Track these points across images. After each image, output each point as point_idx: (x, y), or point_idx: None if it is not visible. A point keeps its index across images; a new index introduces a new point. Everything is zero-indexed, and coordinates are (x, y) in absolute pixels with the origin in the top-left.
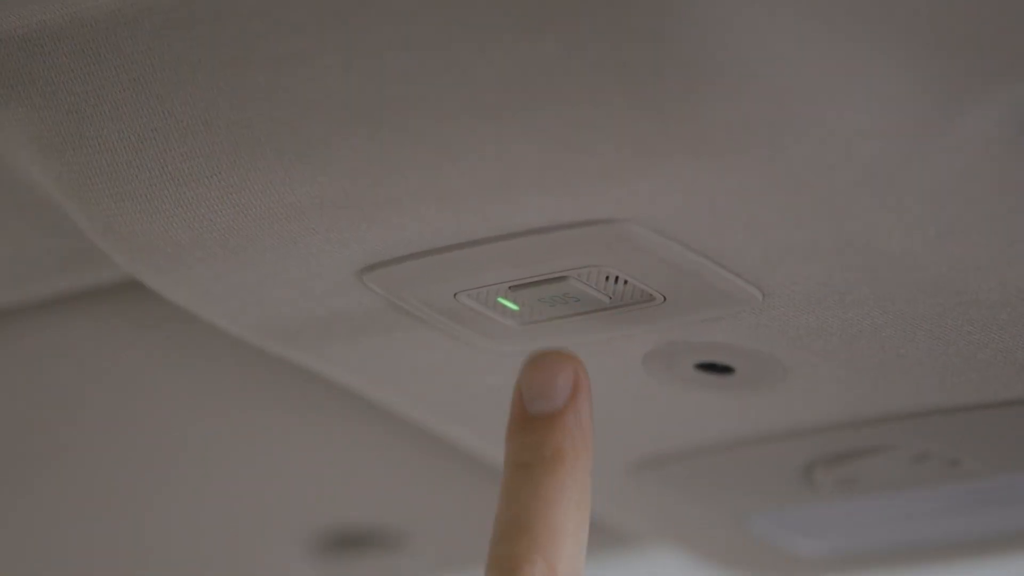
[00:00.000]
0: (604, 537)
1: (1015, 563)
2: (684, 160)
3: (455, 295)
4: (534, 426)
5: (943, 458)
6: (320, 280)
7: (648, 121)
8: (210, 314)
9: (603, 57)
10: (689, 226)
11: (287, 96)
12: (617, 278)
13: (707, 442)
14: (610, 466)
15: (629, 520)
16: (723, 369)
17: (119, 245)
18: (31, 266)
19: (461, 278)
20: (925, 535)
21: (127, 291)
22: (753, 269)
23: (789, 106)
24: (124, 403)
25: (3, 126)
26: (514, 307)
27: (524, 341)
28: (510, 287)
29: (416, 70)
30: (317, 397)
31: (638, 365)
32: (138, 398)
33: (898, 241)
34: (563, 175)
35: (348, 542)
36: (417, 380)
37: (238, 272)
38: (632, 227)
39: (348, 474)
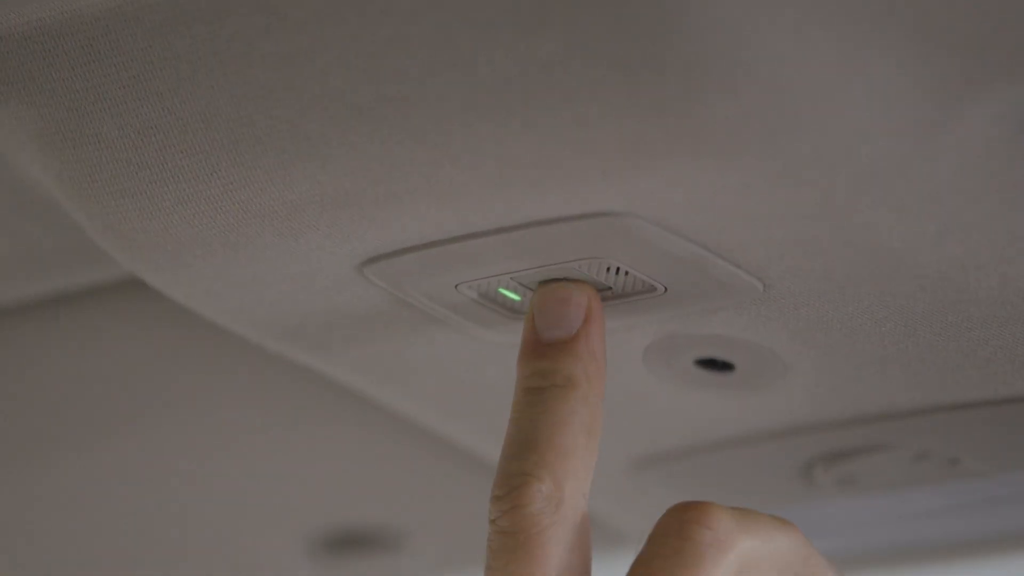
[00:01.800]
0: (604, 537)
1: (1015, 563)
2: (685, 159)
3: (456, 286)
4: (546, 352)
5: (943, 457)
6: (321, 275)
7: (649, 120)
8: (210, 311)
9: (604, 55)
10: (690, 220)
11: (287, 94)
12: (618, 269)
13: (707, 440)
14: (610, 465)
15: (629, 520)
16: (723, 366)
17: (119, 243)
18: (32, 264)
19: (462, 269)
20: (925, 535)
21: (127, 289)
22: (754, 261)
23: (789, 105)
24: (124, 402)
25: (3, 124)
26: (516, 298)
27: None
28: (511, 278)
29: (416, 68)
30: (318, 397)
31: (639, 360)
32: (138, 397)
33: (899, 239)
34: (563, 173)
35: (348, 542)
36: (418, 373)
37: (238, 269)
38: (633, 220)
39: (348, 474)
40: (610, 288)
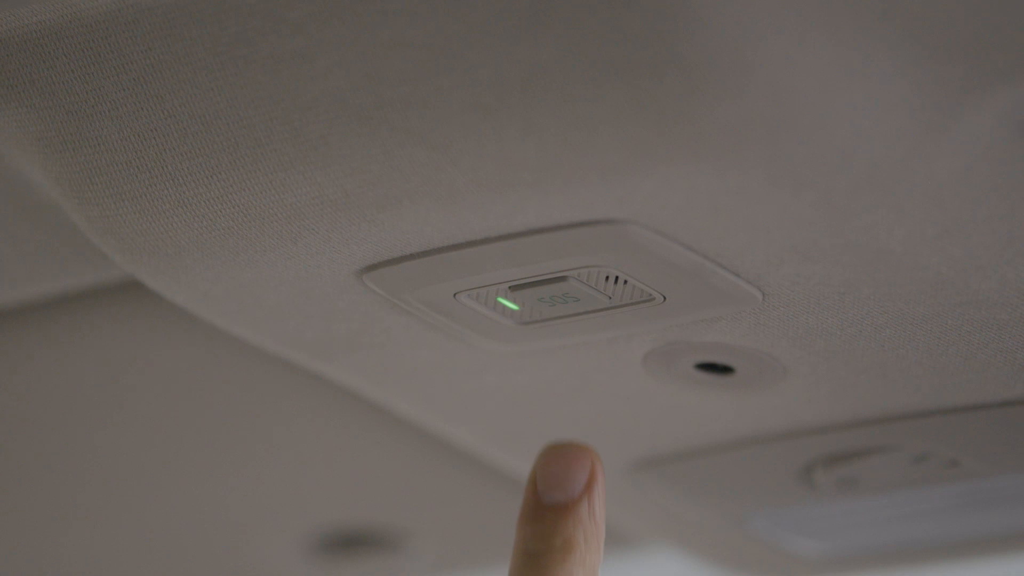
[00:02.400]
0: (604, 537)
1: (1015, 563)
2: (684, 160)
3: (455, 295)
4: (546, 515)
5: (943, 458)
6: (320, 280)
7: (648, 121)
8: (209, 315)
9: (603, 56)
10: (689, 226)
11: (287, 96)
12: (617, 278)
13: (707, 442)
14: (610, 466)
15: (629, 520)
16: (723, 369)
17: (119, 245)
18: (32, 266)
19: (461, 278)
20: (925, 535)
21: (127, 291)
22: (753, 269)
23: (789, 107)
24: (124, 402)
25: (3, 127)
26: (514, 307)
27: (524, 341)
28: (510, 287)
29: (416, 70)
30: (317, 397)
31: (638, 365)
32: (138, 398)
33: (898, 241)
34: (563, 175)
35: (348, 542)
36: (417, 380)
37: (238, 273)
38: (632, 227)
39: (348, 474)
40: (608, 299)
